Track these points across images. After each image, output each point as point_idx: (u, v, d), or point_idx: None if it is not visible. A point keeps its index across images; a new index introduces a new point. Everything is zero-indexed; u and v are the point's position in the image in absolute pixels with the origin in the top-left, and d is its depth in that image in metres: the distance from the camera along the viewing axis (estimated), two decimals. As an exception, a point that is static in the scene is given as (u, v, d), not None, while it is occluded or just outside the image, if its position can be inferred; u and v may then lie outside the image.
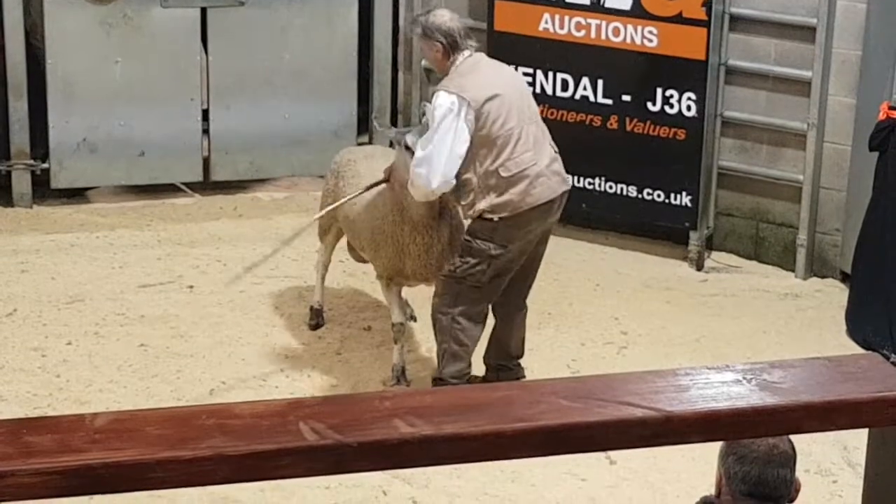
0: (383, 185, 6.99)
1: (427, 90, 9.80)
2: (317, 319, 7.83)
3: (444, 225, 6.84)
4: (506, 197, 6.65)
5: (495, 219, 6.67)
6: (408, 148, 6.71)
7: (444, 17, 6.77)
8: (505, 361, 7.18)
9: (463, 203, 6.76)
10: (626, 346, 7.88)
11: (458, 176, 6.59)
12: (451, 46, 6.71)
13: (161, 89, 9.37)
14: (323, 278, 7.85)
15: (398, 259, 6.88)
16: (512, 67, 7.19)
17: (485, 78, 6.69)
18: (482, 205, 6.67)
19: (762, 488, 3.85)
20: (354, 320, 7.98)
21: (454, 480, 6.55)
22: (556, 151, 6.87)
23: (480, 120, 6.56)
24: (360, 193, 7.14)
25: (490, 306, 7.00)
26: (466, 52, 6.74)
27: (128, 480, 2.05)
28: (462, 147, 6.53)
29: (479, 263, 6.73)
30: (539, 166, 6.70)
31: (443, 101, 6.57)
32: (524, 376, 7.18)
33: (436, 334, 7.00)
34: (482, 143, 6.61)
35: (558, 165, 6.85)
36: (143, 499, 6.13)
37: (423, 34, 6.77)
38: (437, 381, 7.00)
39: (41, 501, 2.15)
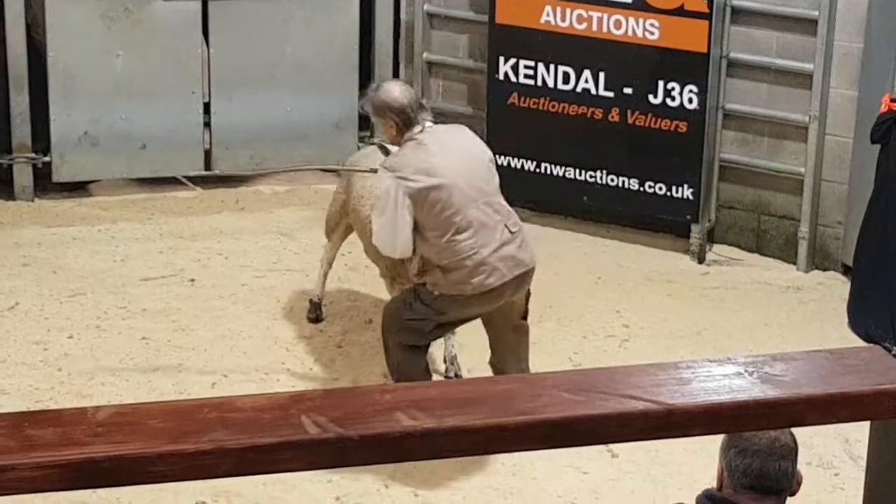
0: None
1: (428, 84, 9.80)
2: (316, 313, 7.83)
3: None
4: (445, 279, 6.42)
5: (435, 293, 6.46)
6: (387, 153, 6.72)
7: (394, 93, 6.47)
8: None
9: (411, 272, 6.57)
10: (627, 339, 7.88)
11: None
12: (405, 123, 6.43)
13: (162, 82, 9.37)
14: (325, 274, 7.85)
15: (399, 260, 6.87)
16: (470, 135, 6.67)
17: (427, 161, 6.38)
18: (426, 277, 6.48)
19: (764, 481, 3.86)
20: (356, 314, 7.98)
21: (456, 474, 6.55)
22: (511, 231, 6.50)
23: (418, 205, 6.33)
24: (341, 169, 7.26)
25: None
26: (418, 128, 6.43)
27: (130, 474, 2.05)
28: (406, 228, 6.36)
29: (420, 319, 6.54)
30: (481, 254, 6.36)
31: (384, 182, 6.41)
32: None
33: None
34: (422, 224, 6.39)
35: (511, 248, 6.46)
36: (145, 491, 6.17)
37: (375, 112, 6.53)
38: None
39: (43, 494, 2.15)
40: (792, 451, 3.90)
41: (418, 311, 6.53)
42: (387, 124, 6.50)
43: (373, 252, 7.11)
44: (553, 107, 8.98)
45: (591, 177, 9.00)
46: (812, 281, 8.70)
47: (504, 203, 6.60)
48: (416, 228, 6.40)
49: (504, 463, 6.61)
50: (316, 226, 9.15)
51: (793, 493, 3.93)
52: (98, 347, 7.55)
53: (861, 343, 7.67)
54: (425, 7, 9.65)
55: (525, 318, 6.85)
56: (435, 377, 7.00)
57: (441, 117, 9.79)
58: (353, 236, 7.67)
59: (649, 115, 8.77)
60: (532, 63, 8.99)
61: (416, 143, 6.40)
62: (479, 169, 6.51)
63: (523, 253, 6.52)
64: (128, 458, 2.02)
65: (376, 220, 6.49)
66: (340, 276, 8.37)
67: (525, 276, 6.53)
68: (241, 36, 9.49)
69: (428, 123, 6.48)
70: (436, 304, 6.48)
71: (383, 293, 7.65)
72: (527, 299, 6.79)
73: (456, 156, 6.47)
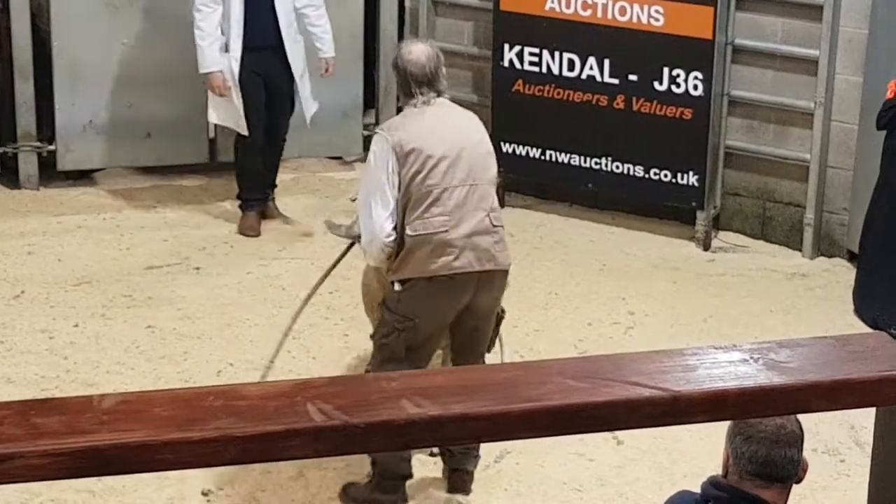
0: None
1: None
2: None
3: None
4: (406, 260, 5.97)
5: (397, 287, 6.02)
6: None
7: (410, 56, 6.07)
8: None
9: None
10: (633, 326, 7.87)
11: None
12: (404, 89, 6.12)
13: (167, 71, 9.36)
14: None
15: (370, 311, 6.63)
16: (477, 123, 6.26)
17: (423, 126, 6.01)
18: (392, 267, 6.05)
19: (769, 468, 3.85)
20: (362, 303, 7.97)
21: (462, 461, 6.55)
22: (493, 224, 6.05)
23: (402, 167, 5.93)
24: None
25: None
26: (422, 99, 6.04)
27: (135, 462, 2.05)
28: (391, 193, 5.94)
29: (389, 335, 6.05)
30: (450, 234, 5.92)
31: (373, 143, 6.09)
32: (473, 467, 6.40)
33: None
34: (402, 195, 5.99)
35: (487, 240, 6.00)
36: (151, 479, 6.18)
37: (393, 65, 6.24)
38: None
39: (49, 482, 2.15)
40: (798, 438, 3.90)
41: (387, 323, 6.07)
42: (396, 78, 6.31)
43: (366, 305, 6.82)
44: (558, 94, 8.98)
45: (596, 164, 9.00)
46: (818, 267, 8.69)
47: (495, 198, 6.16)
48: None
49: (510, 450, 6.61)
50: (321, 213, 9.15)
51: (798, 481, 3.93)
52: (103, 336, 7.56)
53: (867, 329, 7.66)
54: (430, -6, 9.65)
55: (488, 350, 6.37)
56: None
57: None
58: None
59: (654, 102, 8.77)
60: (537, 50, 8.98)
61: (416, 110, 6.07)
62: (477, 153, 6.09)
63: (499, 251, 6.08)
64: (133, 446, 2.03)
65: (360, 196, 6.13)
66: (346, 264, 8.36)
67: (494, 276, 6.07)
68: (246, 24, 9.47)
69: (440, 98, 6.10)
70: (401, 306, 6.02)
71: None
72: (496, 325, 6.33)
73: (454, 130, 6.09)
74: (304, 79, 8.81)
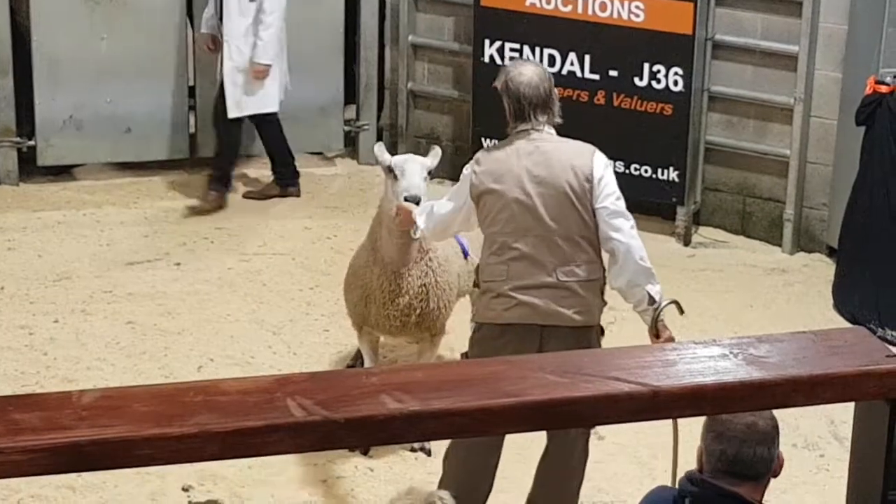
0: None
1: (413, 67, 9.78)
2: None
3: (417, 277, 6.33)
4: (477, 302, 5.86)
5: (472, 329, 5.85)
6: (390, 170, 6.15)
7: (522, 77, 5.72)
8: None
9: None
10: (613, 322, 7.86)
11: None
12: (514, 113, 5.75)
13: (147, 66, 9.34)
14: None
15: (363, 303, 6.47)
16: (575, 160, 5.78)
17: (505, 164, 5.69)
18: (474, 300, 5.96)
19: (738, 467, 3.81)
20: (343, 297, 7.96)
21: (441, 458, 6.54)
22: (560, 279, 5.63)
23: (477, 205, 5.71)
24: None
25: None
26: (531, 125, 5.71)
27: (115, 457, 2.05)
28: (449, 210, 5.84)
29: None
30: (506, 286, 5.62)
31: (466, 168, 5.86)
32: None
33: None
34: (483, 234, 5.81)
35: (548, 295, 5.62)
36: (131, 475, 6.17)
37: (499, 85, 5.83)
38: None
39: (29, 478, 2.14)
40: (768, 436, 3.84)
41: None
42: (504, 102, 5.84)
43: (343, 291, 6.74)
44: (538, 89, 8.97)
45: (576, 159, 8.99)
46: (797, 263, 8.71)
47: (575, 251, 5.71)
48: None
49: (490, 445, 6.60)
50: (302, 209, 9.15)
51: (774, 475, 3.90)
52: (83, 332, 7.54)
53: (846, 325, 7.68)
54: (410, -11, 9.64)
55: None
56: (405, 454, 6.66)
57: (426, 100, 9.81)
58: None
59: (635, 98, 8.77)
60: (517, 46, 8.98)
61: (510, 142, 5.76)
62: (557, 201, 5.65)
63: (566, 307, 5.66)
64: (113, 441, 2.02)
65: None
66: (327, 260, 8.37)
67: (561, 333, 5.65)
68: (226, 19, 9.45)
69: (545, 130, 5.75)
70: (473, 351, 5.82)
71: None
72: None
73: (540, 174, 5.67)
74: (240, 77, 8.89)
